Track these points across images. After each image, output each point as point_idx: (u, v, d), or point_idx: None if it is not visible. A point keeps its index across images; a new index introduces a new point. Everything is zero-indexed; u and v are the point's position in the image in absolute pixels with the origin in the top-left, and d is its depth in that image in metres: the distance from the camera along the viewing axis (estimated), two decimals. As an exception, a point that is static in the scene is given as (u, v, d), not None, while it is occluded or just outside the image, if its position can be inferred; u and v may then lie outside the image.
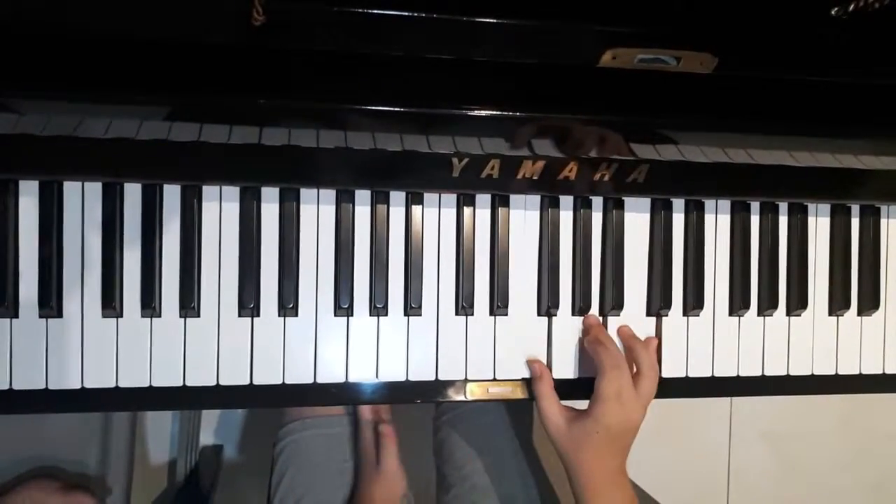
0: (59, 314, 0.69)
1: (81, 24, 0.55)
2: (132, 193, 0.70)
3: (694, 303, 0.81)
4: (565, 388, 0.78)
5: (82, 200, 0.69)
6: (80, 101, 0.58)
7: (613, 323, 0.80)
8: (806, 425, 1.83)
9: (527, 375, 0.78)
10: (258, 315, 0.73)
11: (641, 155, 0.69)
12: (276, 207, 0.73)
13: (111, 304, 0.69)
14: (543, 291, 0.78)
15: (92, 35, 0.56)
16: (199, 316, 0.72)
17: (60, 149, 0.64)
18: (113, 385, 0.70)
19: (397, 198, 0.75)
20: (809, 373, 0.84)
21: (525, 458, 0.96)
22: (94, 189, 0.70)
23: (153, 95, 0.58)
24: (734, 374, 0.82)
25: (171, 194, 0.71)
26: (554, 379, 0.78)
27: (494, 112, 0.62)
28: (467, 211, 0.76)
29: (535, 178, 0.71)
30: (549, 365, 0.78)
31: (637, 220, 0.80)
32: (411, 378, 0.76)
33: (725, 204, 0.82)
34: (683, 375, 0.80)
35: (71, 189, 0.69)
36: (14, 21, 0.54)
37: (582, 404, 0.75)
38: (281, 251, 0.73)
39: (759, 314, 0.83)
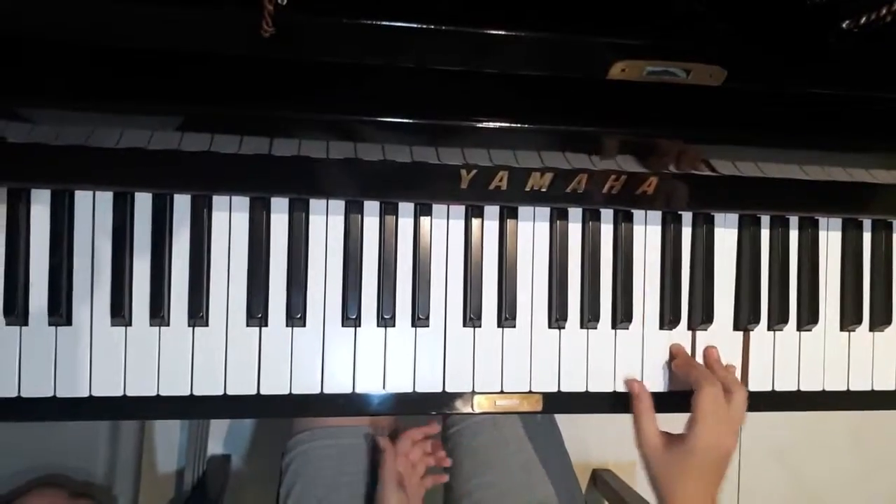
0: (69, 322, 0.70)
1: (93, 36, 0.56)
2: (143, 203, 0.71)
3: (703, 317, 0.80)
4: (572, 401, 0.77)
5: (93, 209, 0.70)
6: (92, 111, 0.59)
7: (623, 336, 0.79)
8: (817, 441, 1.81)
9: (535, 389, 0.77)
10: (266, 325, 0.73)
11: (650, 168, 0.69)
12: (285, 218, 0.73)
13: (120, 312, 0.70)
14: (553, 304, 0.78)
15: (103, 46, 0.56)
16: (207, 325, 0.72)
17: (72, 158, 0.64)
18: (121, 394, 0.71)
19: (406, 209, 0.75)
20: (820, 388, 0.83)
21: (533, 472, 0.95)
22: (105, 198, 0.70)
23: (164, 106, 0.59)
24: (744, 390, 0.81)
25: (181, 204, 0.71)
26: (562, 392, 0.78)
27: (503, 124, 0.62)
28: (476, 222, 0.76)
29: (543, 189, 0.71)
30: (558, 379, 0.78)
31: (646, 232, 0.80)
32: (418, 390, 0.76)
33: (735, 217, 0.81)
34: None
35: (82, 198, 0.70)
36: (29, 32, 0.55)
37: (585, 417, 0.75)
38: (289, 261, 0.73)
39: (769, 329, 0.82)
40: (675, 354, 0.80)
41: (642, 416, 0.76)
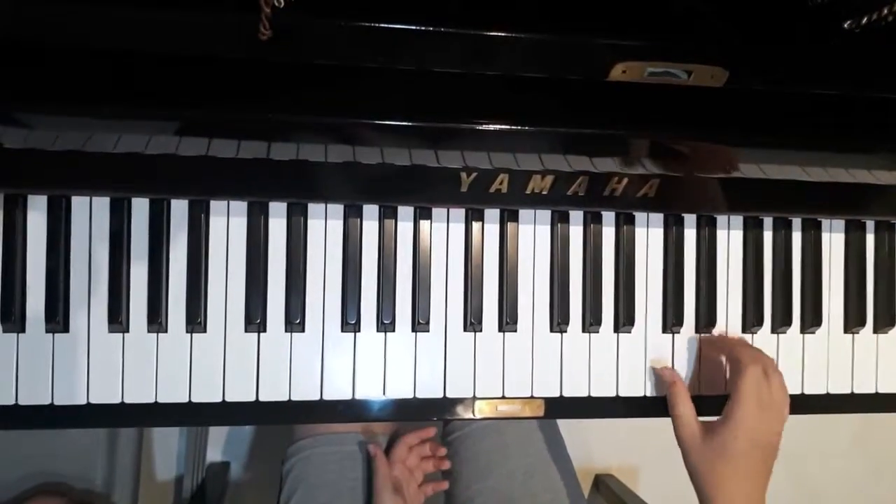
0: (66, 329, 0.69)
1: (90, 40, 0.55)
2: (140, 208, 0.70)
3: (706, 320, 0.80)
4: (574, 406, 0.77)
5: (90, 215, 0.70)
6: (88, 116, 0.58)
7: (626, 340, 0.79)
8: (820, 444, 1.80)
9: (536, 394, 0.77)
10: (265, 330, 0.72)
11: (652, 170, 0.69)
12: (283, 222, 0.73)
13: (118, 319, 0.69)
14: (554, 307, 0.77)
15: (100, 50, 0.56)
16: (205, 331, 0.71)
17: (69, 163, 0.64)
18: (119, 401, 0.70)
19: (405, 212, 0.75)
20: (825, 391, 0.83)
21: (535, 477, 0.95)
22: (102, 204, 0.70)
23: (161, 110, 0.58)
24: (748, 393, 0.81)
25: (179, 209, 0.71)
26: (564, 397, 0.77)
27: (503, 126, 0.62)
28: (476, 226, 0.76)
29: (544, 192, 0.70)
30: (560, 383, 0.77)
31: (649, 235, 0.79)
32: (419, 395, 0.75)
33: (738, 219, 0.81)
34: (696, 394, 0.79)
35: (79, 204, 0.70)
36: (26, 36, 0.54)
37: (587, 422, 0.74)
38: (288, 266, 0.73)
39: (772, 331, 0.82)
40: (715, 338, 0.79)
41: (678, 402, 0.73)
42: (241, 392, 0.72)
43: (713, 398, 0.78)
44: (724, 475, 0.68)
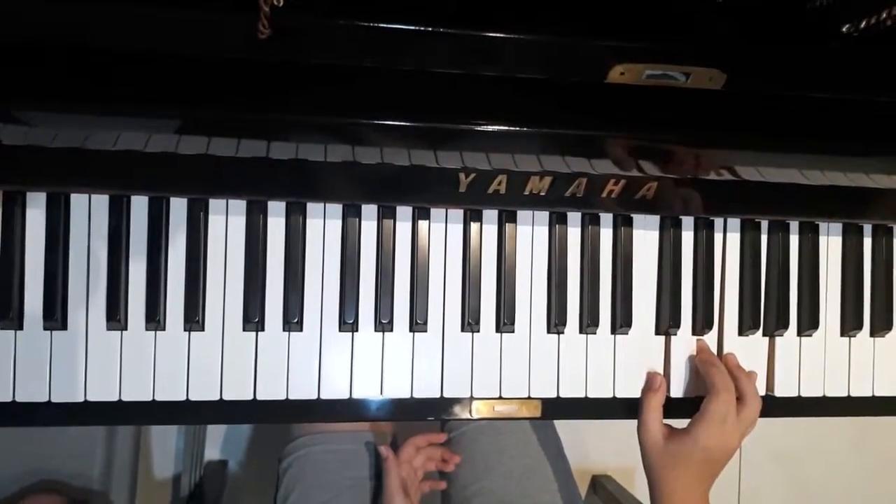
0: (64, 327, 0.69)
1: (91, 38, 0.55)
2: (139, 206, 0.70)
3: (704, 323, 0.80)
4: (571, 406, 0.77)
5: (89, 213, 0.70)
6: (88, 114, 0.58)
7: (622, 341, 0.79)
8: (818, 446, 1.80)
9: (534, 394, 0.77)
10: (263, 329, 0.72)
11: (650, 172, 0.69)
12: (282, 221, 0.73)
13: (116, 316, 0.69)
14: (551, 308, 0.77)
15: (100, 49, 0.56)
16: (203, 330, 0.71)
17: (69, 161, 0.64)
18: (116, 398, 0.70)
19: (404, 213, 0.75)
20: (821, 395, 0.83)
21: (532, 478, 0.95)
22: (101, 202, 0.70)
23: (161, 108, 0.58)
24: (744, 395, 0.81)
25: (178, 207, 0.71)
26: (561, 398, 0.77)
27: (502, 127, 0.62)
28: (474, 226, 0.76)
29: (542, 193, 0.70)
30: (557, 384, 0.77)
31: (646, 237, 0.79)
32: (416, 395, 0.75)
33: (735, 222, 0.81)
34: (694, 396, 0.79)
35: (78, 201, 0.70)
36: (24, 35, 0.54)
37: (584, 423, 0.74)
38: (286, 265, 0.73)
39: (769, 334, 0.82)
40: (700, 351, 0.80)
41: (651, 410, 0.76)
42: (238, 391, 0.72)
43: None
44: (674, 477, 0.74)
